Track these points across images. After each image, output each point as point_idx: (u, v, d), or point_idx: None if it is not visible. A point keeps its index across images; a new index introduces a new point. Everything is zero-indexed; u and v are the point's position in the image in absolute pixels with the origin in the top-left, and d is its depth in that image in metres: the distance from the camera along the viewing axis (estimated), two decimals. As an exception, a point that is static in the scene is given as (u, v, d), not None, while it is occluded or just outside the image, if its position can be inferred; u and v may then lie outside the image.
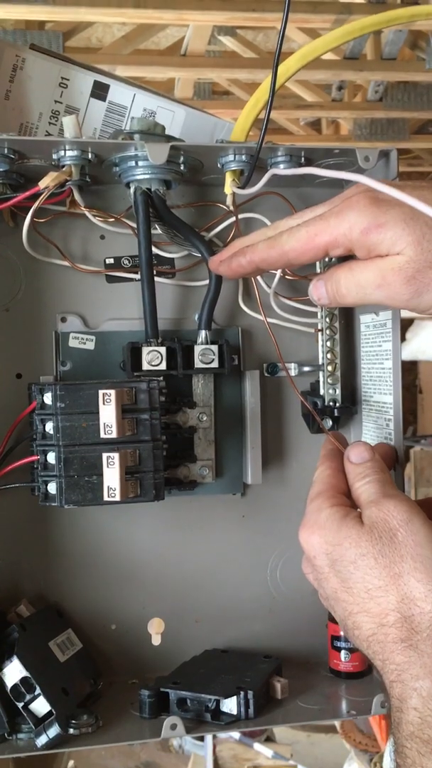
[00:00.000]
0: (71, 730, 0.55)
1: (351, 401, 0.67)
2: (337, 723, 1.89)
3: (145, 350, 0.61)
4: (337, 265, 0.50)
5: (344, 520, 0.48)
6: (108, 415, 0.55)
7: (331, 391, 0.65)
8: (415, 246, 0.45)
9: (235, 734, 2.14)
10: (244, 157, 0.59)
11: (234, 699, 0.58)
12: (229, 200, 0.62)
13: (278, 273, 0.64)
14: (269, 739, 2.21)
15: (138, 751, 2.22)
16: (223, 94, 2.70)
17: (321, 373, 0.66)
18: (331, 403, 0.65)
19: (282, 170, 0.56)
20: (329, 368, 0.65)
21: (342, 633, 0.51)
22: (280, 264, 0.52)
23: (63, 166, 0.58)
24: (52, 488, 0.57)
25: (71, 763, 1.40)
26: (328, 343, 0.66)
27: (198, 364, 0.62)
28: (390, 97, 2.43)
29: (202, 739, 2.14)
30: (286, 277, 0.65)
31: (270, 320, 0.65)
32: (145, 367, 0.61)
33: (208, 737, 2.10)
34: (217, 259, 0.56)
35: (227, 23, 2.03)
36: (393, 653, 0.43)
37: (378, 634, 0.44)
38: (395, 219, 0.45)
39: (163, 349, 0.61)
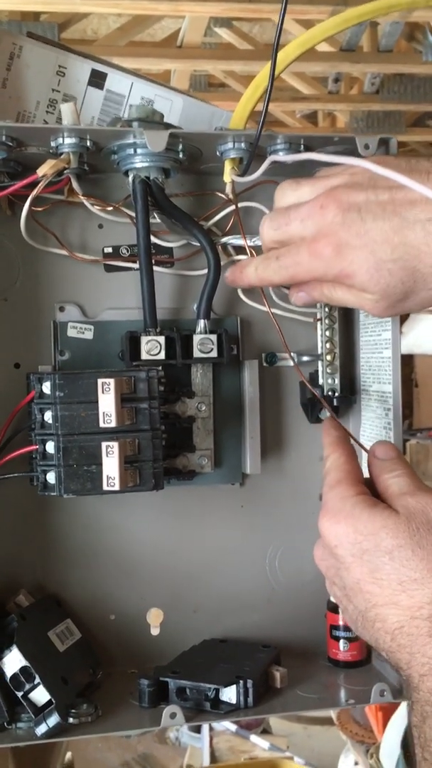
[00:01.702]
0: (71, 719, 0.55)
1: (350, 391, 0.67)
2: (333, 714, 1.90)
3: (143, 340, 0.60)
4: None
5: (376, 509, 0.47)
6: (107, 404, 0.55)
7: (330, 380, 0.65)
8: (382, 293, 0.49)
9: (232, 726, 2.15)
10: (243, 144, 0.59)
11: (233, 688, 0.58)
12: (228, 188, 0.61)
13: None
14: (266, 731, 2.22)
15: (135, 744, 2.22)
16: (219, 86, 2.69)
17: (320, 363, 0.66)
18: (330, 393, 0.65)
19: (282, 157, 0.56)
20: (328, 358, 0.65)
21: (349, 624, 0.49)
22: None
23: (61, 154, 0.57)
24: (51, 478, 0.56)
25: (69, 754, 1.40)
26: (327, 333, 0.65)
27: (197, 354, 0.62)
28: (386, 89, 2.42)
29: (198, 731, 2.15)
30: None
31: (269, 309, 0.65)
32: (144, 356, 0.60)
33: (205, 729, 2.10)
34: (228, 277, 0.60)
35: (223, 14, 2.02)
36: (425, 646, 0.43)
37: (408, 627, 0.44)
38: (360, 270, 0.48)
39: (161, 339, 0.61)
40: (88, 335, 0.63)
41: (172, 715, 0.56)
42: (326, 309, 0.65)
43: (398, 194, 0.47)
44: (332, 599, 0.60)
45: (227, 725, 2.13)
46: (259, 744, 2.11)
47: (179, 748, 2.23)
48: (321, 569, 0.50)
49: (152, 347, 0.61)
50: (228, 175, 0.60)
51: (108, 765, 2.09)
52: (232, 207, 0.62)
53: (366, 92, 2.44)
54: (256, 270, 0.56)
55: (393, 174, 0.44)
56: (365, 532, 0.46)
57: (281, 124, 2.82)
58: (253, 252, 0.62)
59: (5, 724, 0.55)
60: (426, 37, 2.21)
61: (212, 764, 2.01)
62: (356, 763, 1.71)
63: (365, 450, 0.54)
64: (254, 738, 2.13)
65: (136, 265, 0.62)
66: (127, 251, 0.64)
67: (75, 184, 0.60)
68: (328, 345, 0.65)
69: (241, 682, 0.58)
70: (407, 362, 3.66)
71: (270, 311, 0.62)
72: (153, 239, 0.62)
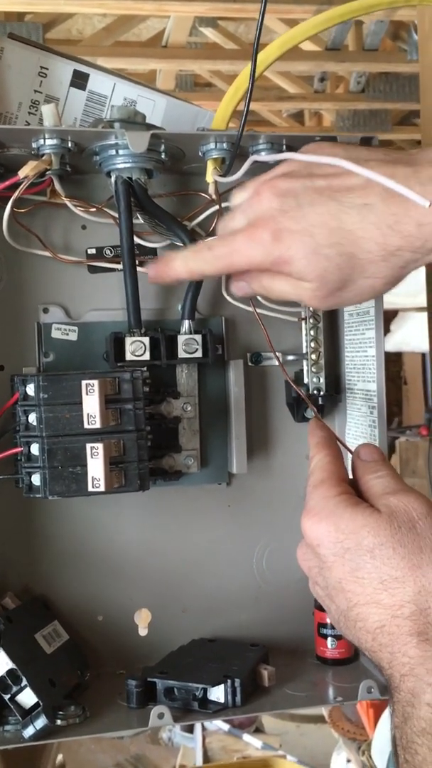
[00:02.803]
0: (58, 721, 0.55)
1: (335, 389, 0.67)
2: (325, 712, 1.90)
3: (128, 340, 0.60)
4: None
5: (358, 508, 0.46)
6: (91, 405, 0.55)
7: (315, 379, 0.66)
8: (320, 280, 0.48)
9: (225, 726, 2.15)
10: (225, 145, 0.59)
11: (221, 687, 0.58)
12: (211, 189, 0.61)
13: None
14: (258, 730, 2.22)
15: (127, 745, 2.22)
16: (205, 86, 2.69)
17: (305, 362, 0.66)
18: (315, 392, 0.65)
19: (262, 156, 0.56)
20: (313, 357, 0.66)
21: (333, 623, 0.50)
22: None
23: (43, 155, 0.57)
24: (36, 480, 0.56)
25: (60, 757, 1.40)
26: (312, 332, 0.66)
27: (182, 354, 0.62)
28: (372, 88, 2.43)
29: (191, 731, 2.15)
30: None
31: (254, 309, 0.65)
32: (129, 357, 0.60)
33: (198, 729, 2.10)
34: (151, 273, 0.56)
35: (208, 14, 2.02)
36: (406, 646, 0.43)
37: (389, 626, 0.44)
38: (298, 255, 0.48)
39: (146, 339, 0.61)
40: (73, 336, 0.63)
41: (160, 716, 0.56)
42: (310, 308, 0.65)
43: (335, 181, 0.47)
44: None
45: (220, 725, 2.13)
46: (252, 743, 2.11)
47: (172, 748, 2.23)
48: (303, 569, 0.50)
49: (137, 348, 0.61)
50: (210, 176, 0.60)
51: (100, 766, 2.09)
52: (216, 207, 0.62)
53: (352, 91, 2.45)
54: (186, 262, 0.53)
55: (363, 170, 0.45)
56: (347, 530, 0.46)
57: (268, 124, 2.82)
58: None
59: (-8, 727, 0.55)
60: (410, 36, 2.22)
61: (205, 764, 2.01)
62: (348, 761, 1.71)
63: (350, 451, 0.54)
64: (247, 737, 2.14)
65: (119, 266, 0.62)
66: (111, 252, 0.64)
67: (57, 186, 0.59)
68: (312, 344, 0.66)
69: (229, 681, 0.58)
70: (396, 360, 3.68)
71: (255, 311, 0.62)
72: (136, 240, 0.62)
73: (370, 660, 0.47)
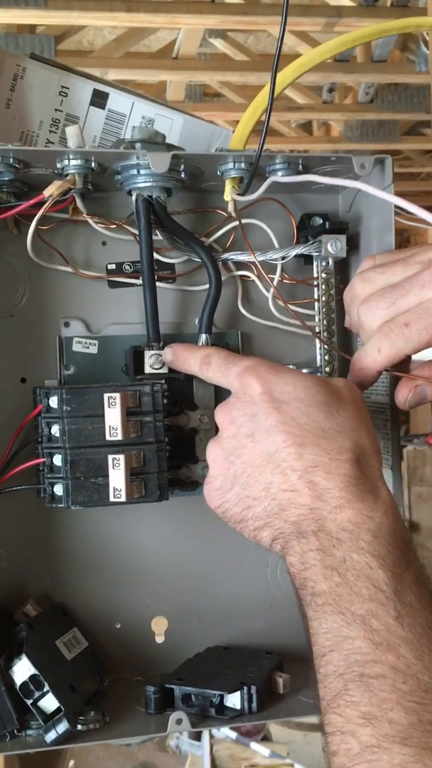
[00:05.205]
0: (79, 726, 0.56)
1: (348, 402, 0.68)
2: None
3: (147, 354, 0.62)
4: None
5: (309, 374, 0.51)
6: (113, 417, 0.56)
7: (329, 392, 0.67)
8: None
9: (232, 734, 2.15)
10: (243, 164, 0.60)
11: (237, 694, 0.59)
12: (230, 207, 0.63)
13: (276, 277, 0.65)
14: (266, 739, 2.23)
15: (136, 752, 2.23)
16: (214, 96, 2.72)
17: (319, 375, 0.67)
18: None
19: (282, 178, 0.57)
20: (327, 370, 0.67)
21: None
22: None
23: (67, 175, 0.59)
24: (58, 490, 0.58)
25: (71, 763, 1.41)
26: (326, 346, 0.67)
27: (199, 367, 0.63)
28: (380, 98, 2.45)
29: (199, 738, 2.15)
30: (284, 281, 0.67)
31: (268, 323, 0.67)
32: (148, 370, 0.62)
33: (205, 737, 2.11)
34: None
35: (218, 26, 2.04)
36: (344, 484, 0.45)
37: (327, 466, 0.45)
38: None
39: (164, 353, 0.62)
40: (93, 350, 0.65)
41: (178, 721, 0.57)
42: (325, 322, 0.67)
43: None
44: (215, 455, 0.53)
45: (227, 733, 2.14)
46: (260, 751, 2.12)
47: (180, 756, 2.24)
48: (220, 421, 0.52)
49: (155, 361, 0.62)
50: (228, 194, 0.62)
51: (109, 773, 2.10)
52: (233, 224, 0.64)
53: (360, 102, 2.47)
54: (380, 351, 0.52)
55: None
56: (302, 384, 0.48)
57: (277, 134, 2.84)
58: (258, 265, 0.63)
59: (15, 731, 0.56)
60: (419, 47, 2.23)
61: (213, 772, 2.02)
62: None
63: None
64: (255, 745, 2.14)
65: (139, 281, 0.64)
66: (130, 267, 0.66)
67: (79, 203, 0.61)
68: (327, 357, 0.67)
69: (245, 688, 0.59)
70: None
71: (305, 324, 0.63)
72: (155, 256, 0.63)
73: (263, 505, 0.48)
